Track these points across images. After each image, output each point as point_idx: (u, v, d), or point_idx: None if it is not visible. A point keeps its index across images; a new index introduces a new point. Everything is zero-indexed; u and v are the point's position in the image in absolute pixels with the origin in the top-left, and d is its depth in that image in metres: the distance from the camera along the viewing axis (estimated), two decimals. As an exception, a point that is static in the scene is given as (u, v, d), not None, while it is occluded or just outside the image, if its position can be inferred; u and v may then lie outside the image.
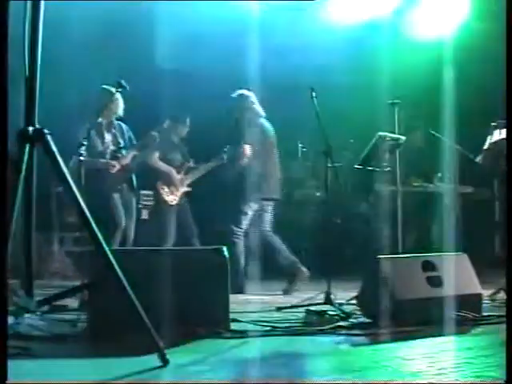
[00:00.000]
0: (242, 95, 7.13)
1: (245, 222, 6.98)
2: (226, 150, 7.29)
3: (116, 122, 6.80)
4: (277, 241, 6.96)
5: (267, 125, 7.14)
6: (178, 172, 7.48)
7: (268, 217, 7.09)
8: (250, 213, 6.99)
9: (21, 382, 2.85)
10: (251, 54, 7.38)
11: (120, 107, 6.72)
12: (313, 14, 8.31)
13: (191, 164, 7.60)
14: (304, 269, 6.85)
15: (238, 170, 6.94)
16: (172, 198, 7.38)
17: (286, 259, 6.89)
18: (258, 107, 7.10)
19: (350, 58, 8.29)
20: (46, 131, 3.20)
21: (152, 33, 7.91)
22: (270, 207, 7.11)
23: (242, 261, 6.88)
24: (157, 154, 7.36)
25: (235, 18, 7.72)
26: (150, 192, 7.89)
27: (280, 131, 7.29)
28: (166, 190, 7.38)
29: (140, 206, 7.92)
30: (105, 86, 6.55)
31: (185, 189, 7.50)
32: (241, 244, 6.92)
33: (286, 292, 6.75)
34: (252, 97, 7.12)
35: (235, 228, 6.92)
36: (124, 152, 6.73)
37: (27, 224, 3.20)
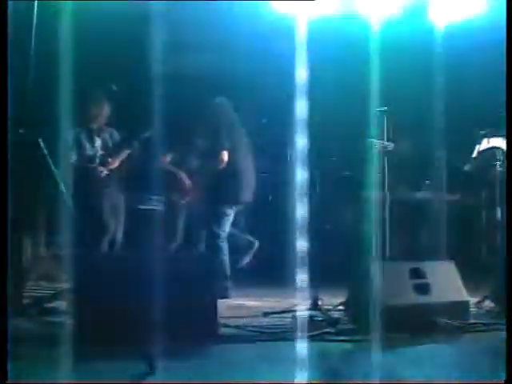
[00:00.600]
0: (219, 102, 7.09)
1: (227, 225, 6.91)
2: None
3: (105, 127, 6.80)
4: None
5: (243, 130, 7.08)
6: (189, 175, 7.40)
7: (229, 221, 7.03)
8: (232, 215, 6.93)
9: (21, 382, 2.85)
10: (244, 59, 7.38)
11: (109, 112, 6.72)
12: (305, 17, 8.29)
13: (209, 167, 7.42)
14: None
15: (217, 174, 6.87)
16: (178, 200, 7.32)
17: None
18: (234, 114, 7.04)
19: (338, 62, 8.29)
20: (36, 134, 3.21)
21: (144, 36, 7.89)
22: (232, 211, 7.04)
23: (227, 265, 6.83)
24: (168, 157, 7.30)
25: (227, 22, 7.72)
26: (156, 195, 7.79)
27: (270, 135, 7.25)
28: (172, 192, 7.32)
29: (143, 209, 7.80)
30: (96, 91, 6.55)
31: (195, 192, 7.38)
32: (225, 247, 6.86)
33: None
34: (229, 103, 7.07)
35: (219, 231, 6.89)
36: (113, 156, 6.72)
37: (17, 227, 3.21)
